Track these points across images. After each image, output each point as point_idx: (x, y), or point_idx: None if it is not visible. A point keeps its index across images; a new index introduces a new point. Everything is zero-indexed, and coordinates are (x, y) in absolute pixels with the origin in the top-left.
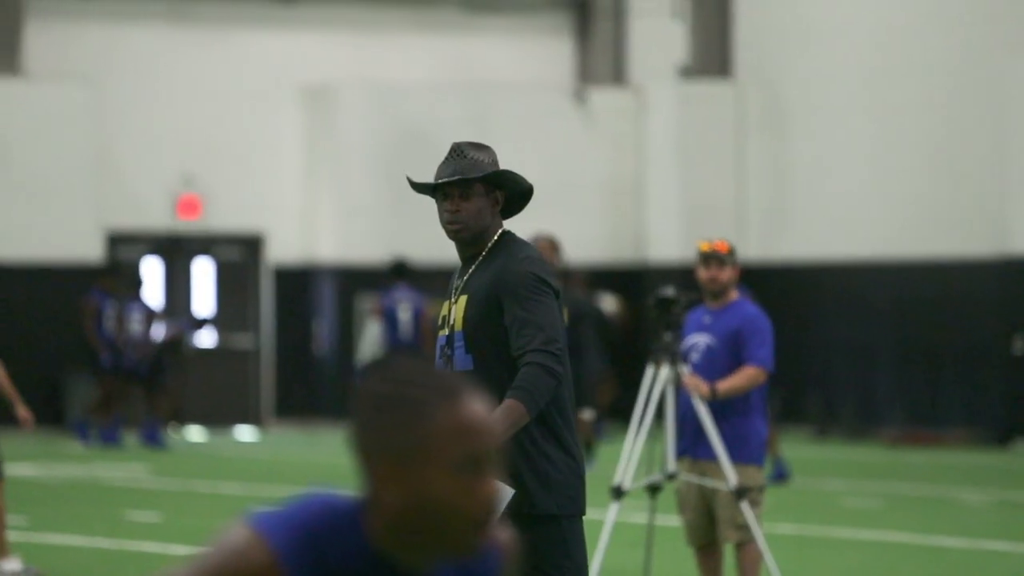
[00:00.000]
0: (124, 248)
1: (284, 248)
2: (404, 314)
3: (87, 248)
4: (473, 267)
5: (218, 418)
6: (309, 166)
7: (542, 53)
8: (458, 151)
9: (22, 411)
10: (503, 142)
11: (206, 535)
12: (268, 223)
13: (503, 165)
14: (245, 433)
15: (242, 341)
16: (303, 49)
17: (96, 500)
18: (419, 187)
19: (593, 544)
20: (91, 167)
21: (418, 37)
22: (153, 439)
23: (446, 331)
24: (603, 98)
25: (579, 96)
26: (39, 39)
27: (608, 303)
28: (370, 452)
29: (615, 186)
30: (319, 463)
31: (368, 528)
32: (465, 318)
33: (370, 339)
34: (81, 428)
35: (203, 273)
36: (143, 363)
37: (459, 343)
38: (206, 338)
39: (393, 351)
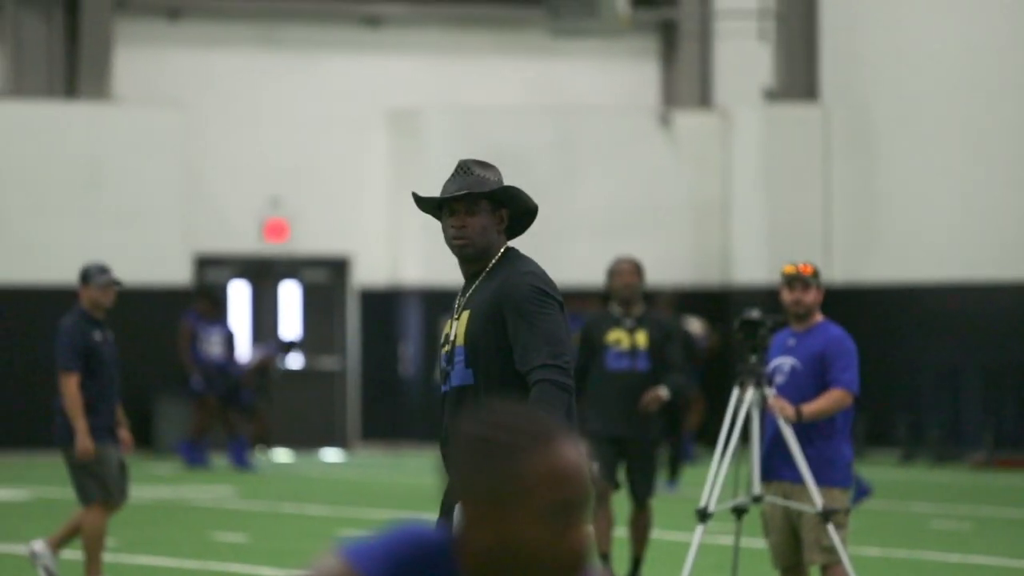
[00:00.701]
0: (212, 271)
1: (370, 271)
2: None
3: (176, 271)
4: (476, 284)
5: (305, 440)
6: (395, 189)
7: (628, 76)
8: (465, 168)
9: (124, 433)
10: (589, 165)
11: (292, 557)
12: (354, 246)
13: (589, 188)
14: (331, 455)
15: (328, 363)
16: (390, 73)
17: (184, 521)
18: (424, 203)
19: (678, 566)
20: (180, 191)
21: (504, 60)
22: (241, 461)
23: (447, 348)
24: (688, 121)
25: (664, 119)
26: (129, 64)
27: (694, 326)
28: (465, 493)
29: (700, 208)
30: (404, 485)
31: (458, 565)
32: (467, 333)
33: None
34: (186, 449)
35: (290, 296)
36: (227, 386)
37: (459, 358)
38: (293, 361)
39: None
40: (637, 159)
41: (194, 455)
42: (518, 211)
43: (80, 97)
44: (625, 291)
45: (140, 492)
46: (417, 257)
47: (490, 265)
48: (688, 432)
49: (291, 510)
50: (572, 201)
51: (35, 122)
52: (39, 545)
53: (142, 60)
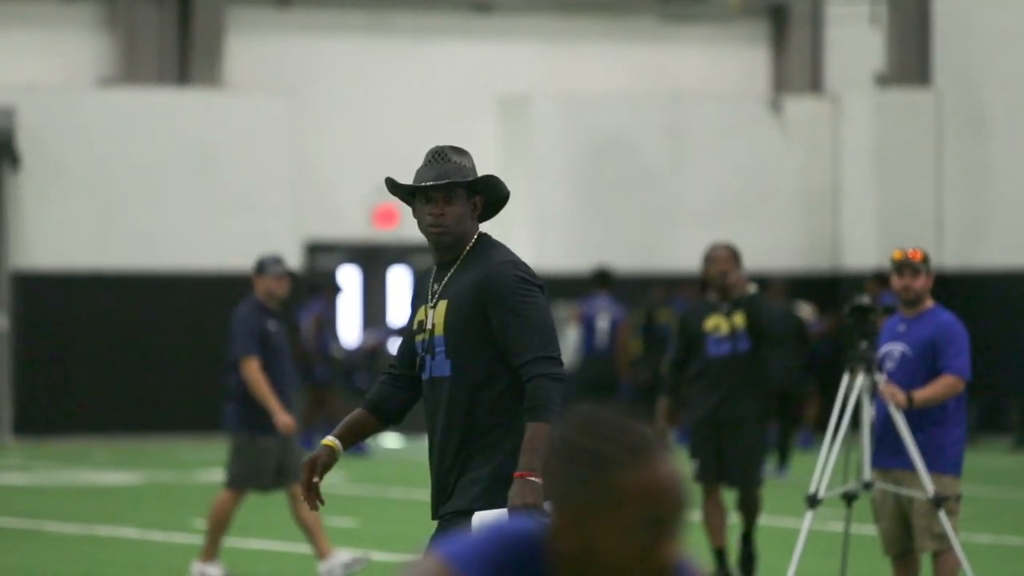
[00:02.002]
0: (321, 257)
1: None
2: (602, 322)
3: (287, 257)
4: (451, 272)
5: (414, 425)
6: (504, 175)
7: (738, 62)
8: (441, 155)
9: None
10: (698, 152)
11: (401, 541)
12: None
13: (699, 175)
14: (392, 440)
15: None
16: (499, 59)
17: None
18: (397, 189)
19: (788, 552)
20: (290, 177)
21: (613, 47)
22: (357, 447)
23: (424, 336)
24: (799, 107)
25: (775, 105)
26: (240, 52)
27: (805, 311)
28: (556, 499)
29: (811, 194)
30: None
31: (549, 569)
32: (446, 323)
33: (569, 345)
34: (307, 439)
35: (399, 281)
36: (335, 370)
37: (439, 348)
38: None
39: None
40: (747, 145)
41: (305, 441)
42: (491, 198)
43: (192, 84)
44: (720, 278)
45: None
46: (526, 244)
47: (464, 252)
48: (803, 419)
49: (400, 495)
50: (681, 188)
51: (147, 110)
52: (337, 558)
53: (253, 47)
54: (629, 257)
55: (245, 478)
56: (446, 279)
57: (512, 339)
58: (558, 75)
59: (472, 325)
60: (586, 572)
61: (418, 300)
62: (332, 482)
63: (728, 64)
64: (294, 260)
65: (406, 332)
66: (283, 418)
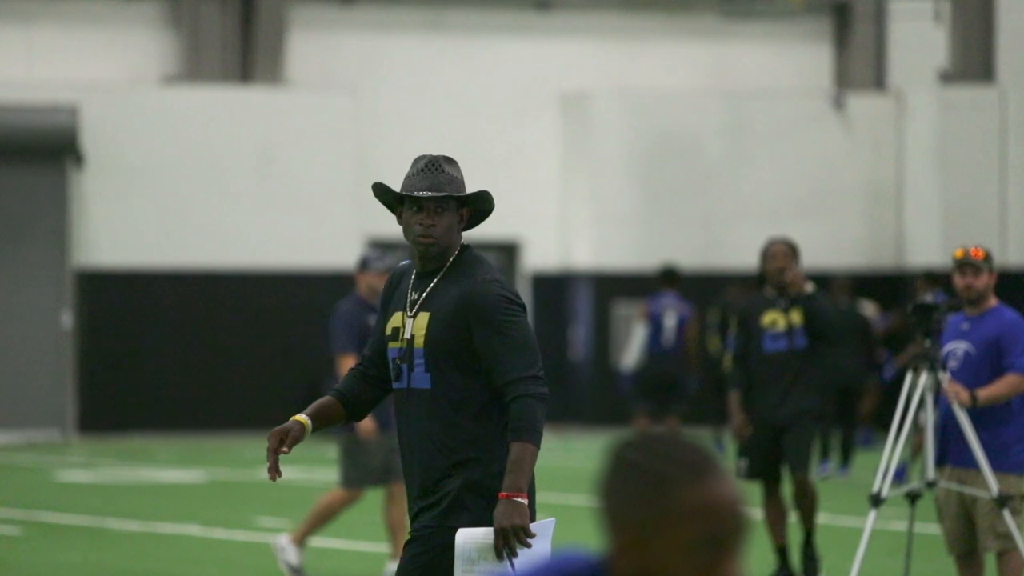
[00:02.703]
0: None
1: (541, 255)
2: (669, 321)
3: (348, 255)
4: (434, 282)
5: None
6: (566, 173)
7: (800, 58)
8: (435, 165)
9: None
10: (760, 149)
11: None
12: (525, 230)
13: (761, 173)
14: None
15: None
16: (560, 57)
17: (359, 504)
18: (386, 193)
19: (851, 551)
20: (352, 174)
21: (675, 44)
22: None
23: (401, 344)
24: (862, 103)
25: (838, 102)
26: (302, 49)
27: (868, 309)
28: (613, 519)
29: (874, 192)
30: (574, 469)
31: None
32: (428, 336)
33: (636, 344)
34: None
35: None
36: None
37: (419, 360)
38: None
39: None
40: (810, 142)
41: None
42: (477, 211)
43: (254, 82)
44: (778, 274)
45: (315, 475)
46: (588, 241)
47: (448, 264)
48: (862, 417)
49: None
50: (743, 185)
51: (210, 107)
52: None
53: (315, 45)
54: (690, 255)
55: (354, 480)
56: (428, 289)
57: (496, 358)
58: (619, 72)
59: (454, 341)
60: None
61: (392, 305)
62: None
63: (791, 61)
64: (356, 257)
65: (377, 334)
66: (367, 423)
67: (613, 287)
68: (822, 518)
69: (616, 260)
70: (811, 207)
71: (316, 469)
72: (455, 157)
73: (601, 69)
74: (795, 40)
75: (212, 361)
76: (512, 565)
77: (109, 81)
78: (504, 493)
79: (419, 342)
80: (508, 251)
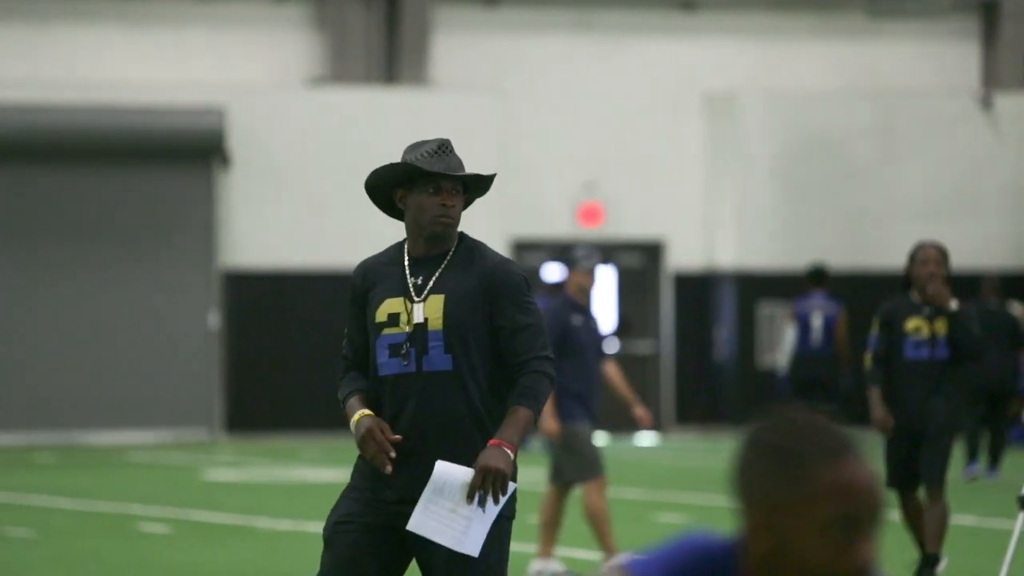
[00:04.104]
0: (527, 255)
1: (685, 254)
2: (816, 320)
3: None
4: (444, 265)
5: (620, 423)
6: (710, 173)
7: (947, 58)
8: (447, 148)
9: (639, 411)
10: (907, 148)
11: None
12: (669, 230)
13: (908, 173)
14: (646, 439)
15: (643, 347)
16: (705, 57)
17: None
18: (395, 170)
19: (999, 554)
20: (496, 175)
21: (821, 43)
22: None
23: (406, 328)
24: (1011, 103)
25: (986, 101)
26: (447, 50)
27: (1017, 310)
28: (748, 498)
29: (1022, 192)
30: (719, 469)
31: (741, 573)
32: (448, 317)
33: (786, 345)
34: None
35: (604, 280)
36: None
37: (435, 342)
38: (611, 345)
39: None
40: (957, 142)
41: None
42: (471, 198)
43: (399, 84)
44: (927, 279)
45: None
46: (731, 241)
47: (452, 248)
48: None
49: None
50: (890, 186)
51: (355, 109)
52: (537, 564)
53: (460, 46)
54: (835, 255)
55: (588, 468)
56: (439, 272)
57: (519, 337)
58: (765, 72)
59: (476, 321)
60: (778, 572)
61: (375, 295)
62: (532, 480)
63: (938, 60)
64: None
65: (357, 328)
66: (548, 423)
67: (757, 287)
68: (970, 520)
69: (760, 260)
70: (958, 207)
71: None
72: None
73: (747, 69)
74: (942, 39)
75: None
76: (482, 508)
77: (256, 83)
78: (497, 440)
79: (436, 324)
80: (651, 251)
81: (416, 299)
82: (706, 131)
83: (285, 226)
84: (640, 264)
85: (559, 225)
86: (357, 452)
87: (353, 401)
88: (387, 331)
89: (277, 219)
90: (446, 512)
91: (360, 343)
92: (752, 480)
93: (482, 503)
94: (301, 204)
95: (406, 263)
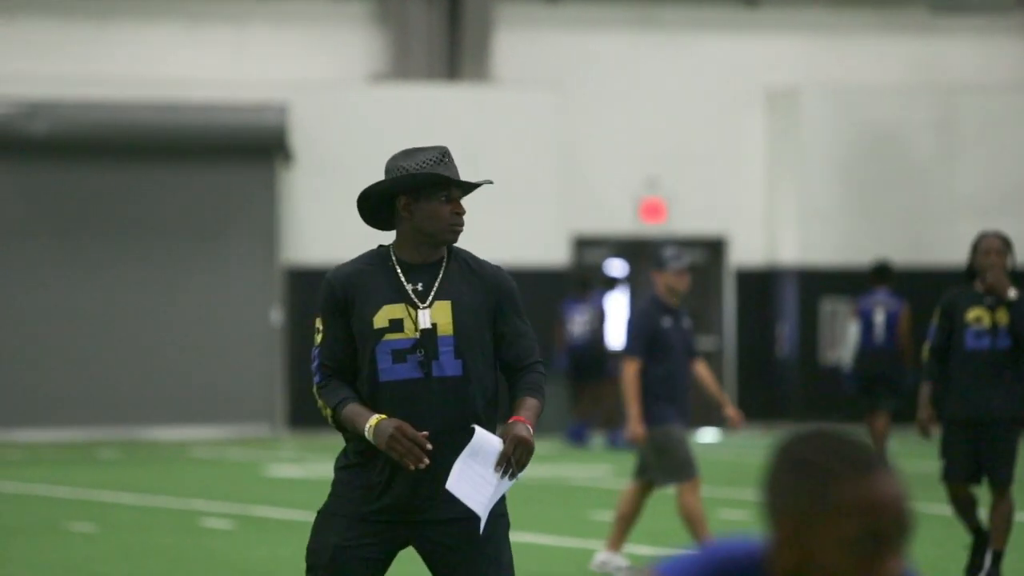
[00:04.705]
0: (588, 251)
1: (747, 251)
2: (879, 317)
3: (554, 252)
4: (443, 272)
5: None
6: (772, 169)
7: (1009, 53)
8: (449, 156)
9: (731, 411)
10: (970, 145)
11: (669, 536)
12: (731, 226)
13: (971, 169)
14: (708, 435)
15: (705, 343)
16: (767, 53)
17: (563, 500)
18: (431, 179)
19: None
20: (558, 171)
21: (883, 39)
22: (616, 442)
23: (412, 335)
24: None
25: None
26: (509, 47)
27: None
28: (775, 510)
29: None
30: None
31: None
32: (458, 322)
33: (850, 342)
34: (577, 432)
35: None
36: (592, 363)
37: (446, 348)
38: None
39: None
40: (1019, 137)
41: (578, 435)
42: None
43: (461, 80)
44: (991, 270)
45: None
46: (794, 237)
47: (445, 255)
48: None
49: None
50: (953, 182)
51: (417, 105)
52: (602, 555)
53: (522, 43)
54: (899, 251)
55: (681, 469)
56: (440, 278)
57: (521, 343)
58: (827, 68)
59: (483, 326)
60: None
61: (376, 299)
62: (597, 476)
63: (1000, 55)
64: (561, 255)
65: (337, 337)
66: (634, 428)
67: (819, 283)
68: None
69: (823, 256)
70: (1020, 202)
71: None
72: (661, 154)
73: (808, 65)
74: (1005, 34)
75: None
76: (511, 476)
77: (317, 80)
78: (521, 418)
79: (446, 330)
80: (713, 247)
81: (421, 305)
82: (768, 127)
83: (347, 222)
84: (702, 260)
85: (621, 222)
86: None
87: (356, 407)
88: (389, 336)
89: (339, 215)
90: (477, 477)
91: (341, 352)
92: (780, 493)
93: (510, 473)
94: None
95: (398, 270)
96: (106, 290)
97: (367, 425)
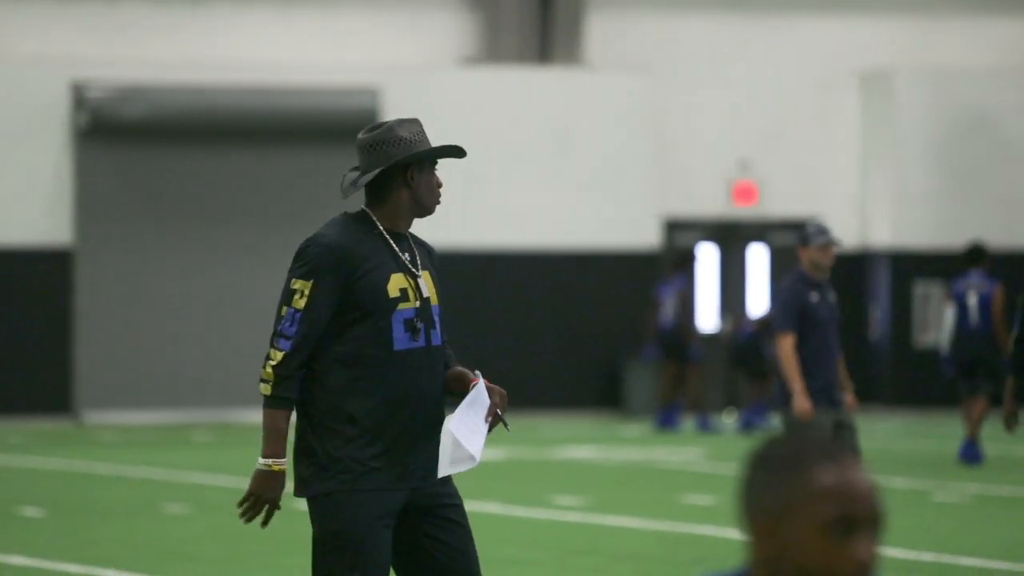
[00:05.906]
0: (680, 234)
1: (839, 233)
2: (971, 300)
3: (645, 235)
4: (410, 242)
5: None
6: (865, 152)
7: None
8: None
9: (848, 397)
10: None
11: None
12: (823, 209)
13: None
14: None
15: None
16: (861, 34)
17: (653, 483)
18: (429, 153)
19: None
20: (649, 154)
21: (976, 19)
22: (705, 425)
23: (415, 304)
24: None
25: None
26: (600, 30)
27: None
28: (752, 512)
29: None
30: (872, 449)
31: None
32: (439, 293)
33: (946, 325)
34: (668, 415)
35: (758, 259)
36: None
37: (437, 317)
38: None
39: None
40: None
41: (668, 418)
42: None
43: (552, 63)
44: None
45: (610, 454)
46: (886, 220)
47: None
48: None
49: None
50: None
51: (508, 88)
52: None
53: (613, 26)
54: (993, 234)
55: None
56: (415, 250)
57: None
58: (921, 49)
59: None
60: (779, 574)
61: (382, 268)
62: (688, 459)
63: None
64: (652, 237)
65: (329, 306)
66: (801, 403)
67: (912, 266)
68: None
69: (916, 239)
70: None
71: (613, 448)
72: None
73: (902, 46)
74: None
75: (506, 341)
76: (503, 426)
77: (409, 63)
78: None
79: (435, 299)
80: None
81: (417, 274)
82: (860, 109)
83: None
84: (793, 243)
85: (713, 204)
86: (513, 431)
87: (285, 424)
88: (402, 306)
89: None
90: (472, 424)
91: (323, 321)
92: (757, 492)
93: (502, 421)
94: (453, 182)
95: (388, 239)
96: (201, 273)
97: (264, 457)
